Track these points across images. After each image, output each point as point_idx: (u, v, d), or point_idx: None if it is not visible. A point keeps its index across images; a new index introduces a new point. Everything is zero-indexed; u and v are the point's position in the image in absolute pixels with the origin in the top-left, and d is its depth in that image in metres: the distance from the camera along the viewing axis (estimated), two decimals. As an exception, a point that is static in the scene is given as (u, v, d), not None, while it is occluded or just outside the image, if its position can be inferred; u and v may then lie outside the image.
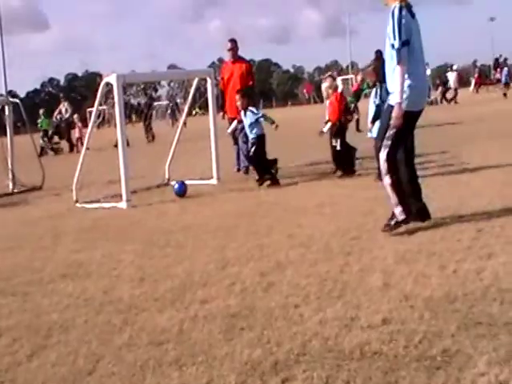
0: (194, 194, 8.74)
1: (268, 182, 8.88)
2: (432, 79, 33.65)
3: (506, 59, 37.76)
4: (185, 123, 11.47)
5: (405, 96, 5.03)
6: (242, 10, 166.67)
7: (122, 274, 4.84)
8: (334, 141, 9.19)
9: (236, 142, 10.76)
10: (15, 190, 11.64)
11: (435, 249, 4.57)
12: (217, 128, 9.99)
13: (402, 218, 5.07)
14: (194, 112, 37.05)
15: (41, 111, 24.92)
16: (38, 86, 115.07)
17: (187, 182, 8.88)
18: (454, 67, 33.69)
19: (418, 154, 10.04)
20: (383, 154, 5.17)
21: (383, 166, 5.17)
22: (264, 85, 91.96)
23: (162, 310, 3.88)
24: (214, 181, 9.75)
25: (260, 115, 9.20)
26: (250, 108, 9.22)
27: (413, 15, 5.10)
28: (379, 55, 9.80)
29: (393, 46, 4.99)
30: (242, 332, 3.36)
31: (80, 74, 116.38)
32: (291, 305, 3.71)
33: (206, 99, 10.17)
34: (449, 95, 30.41)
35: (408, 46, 4.99)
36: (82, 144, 22.65)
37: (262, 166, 9.11)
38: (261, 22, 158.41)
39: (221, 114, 11.11)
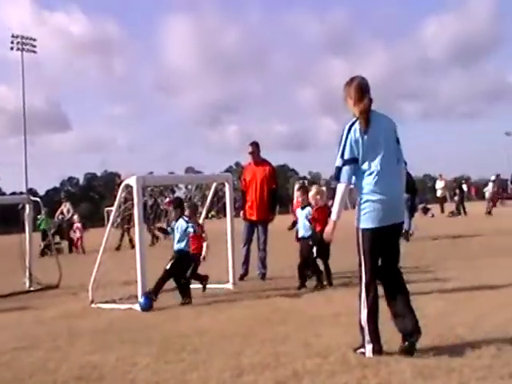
0: (210, 297, 8.75)
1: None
2: (448, 190, 34.87)
3: None
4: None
5: (363, 212, 4.96)
6: (259, 117, 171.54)
7: (137, 378, 4.79)
8: (313, 249, 9.15)
9: (247, 243, 10.82)
10: (31, 288, 11.68)
11: (454, 365, 4.49)
12: (234, 233, 10.11)
13: (370, 356, 4.89)
14: (209, 215, 37.47)
15: (43, 211, 23.73)
16: (58, 185, 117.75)
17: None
18: (492, 178, 33.94)
19: (432, 267, 10.12)
20: (363, 287, 4.95)
21: (361, 298, 4.95)
22: (281, 191, 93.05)
23: (177, 418, 3.83)
24: (229, 285, 9.76)
25: (190, 227, 8.69)
26: (184, 216, 8.89)
27: (366, 131, 4.93)
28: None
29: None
30: None
31: (99, 174, 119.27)
32: (308, 418, 3.64)
33: (224, 203, 10.37)
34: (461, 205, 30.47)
35: (353, 164, 4.94)
36: (82, 244, 22.47)
37: (179, 284, 8.69)
38: (277, 128, 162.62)
39: (241, 214, 11.13)
